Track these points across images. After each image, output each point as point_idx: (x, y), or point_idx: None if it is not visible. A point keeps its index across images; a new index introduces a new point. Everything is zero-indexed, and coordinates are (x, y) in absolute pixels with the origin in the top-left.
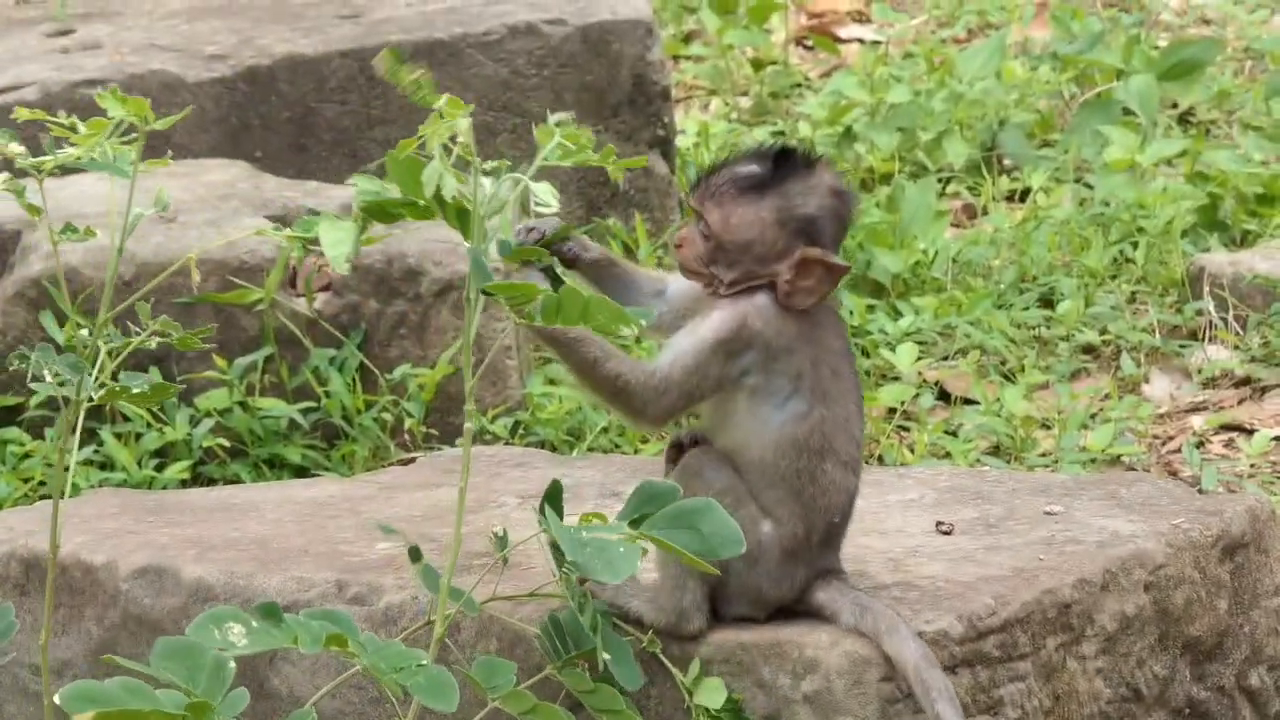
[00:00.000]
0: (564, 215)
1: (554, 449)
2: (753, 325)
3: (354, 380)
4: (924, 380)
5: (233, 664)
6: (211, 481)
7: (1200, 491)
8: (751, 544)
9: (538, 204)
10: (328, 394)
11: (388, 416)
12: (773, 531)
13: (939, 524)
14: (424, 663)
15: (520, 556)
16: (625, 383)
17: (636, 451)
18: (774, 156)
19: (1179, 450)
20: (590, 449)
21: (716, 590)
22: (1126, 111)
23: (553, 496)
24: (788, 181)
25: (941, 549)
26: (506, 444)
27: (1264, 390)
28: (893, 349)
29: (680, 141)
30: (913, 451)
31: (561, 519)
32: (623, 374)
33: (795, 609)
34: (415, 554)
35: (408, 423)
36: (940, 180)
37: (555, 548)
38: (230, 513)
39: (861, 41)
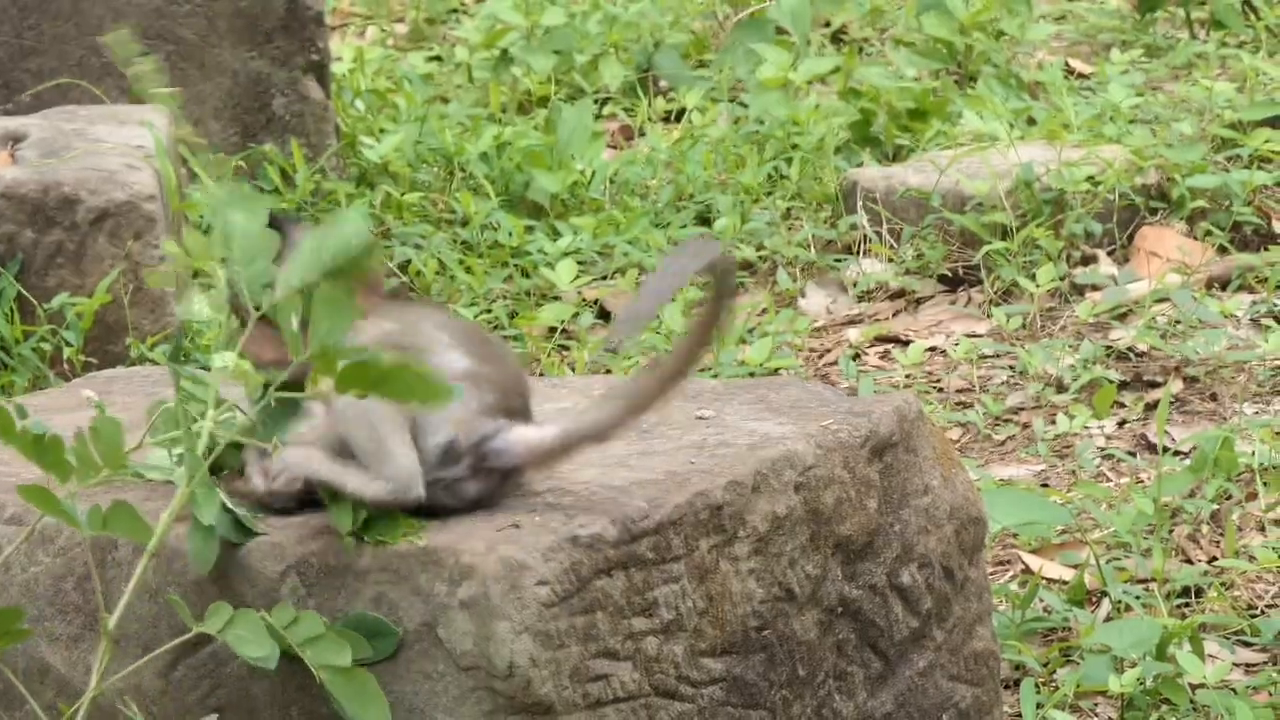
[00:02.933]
0: (220, 143)
1: None
2: None
3: (11, 310)
4: (584, 299)
5: None
6: None
7: (850, 394)
8: None
9: None
10: None
11: (46, 346)
12: None
13: None
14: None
15: None
16: None
17: None
18: None
19: (836, 363)
20: None
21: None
22: (780, 30)
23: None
24: None
25: (595, 454)
26: None
27: (918, 302)
28: (552, 268)
29: (336, 68)
30: (573, 370)
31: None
32: None
33: None
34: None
35: (67, 352)
36: (597, 102)
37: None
38: None
39: None
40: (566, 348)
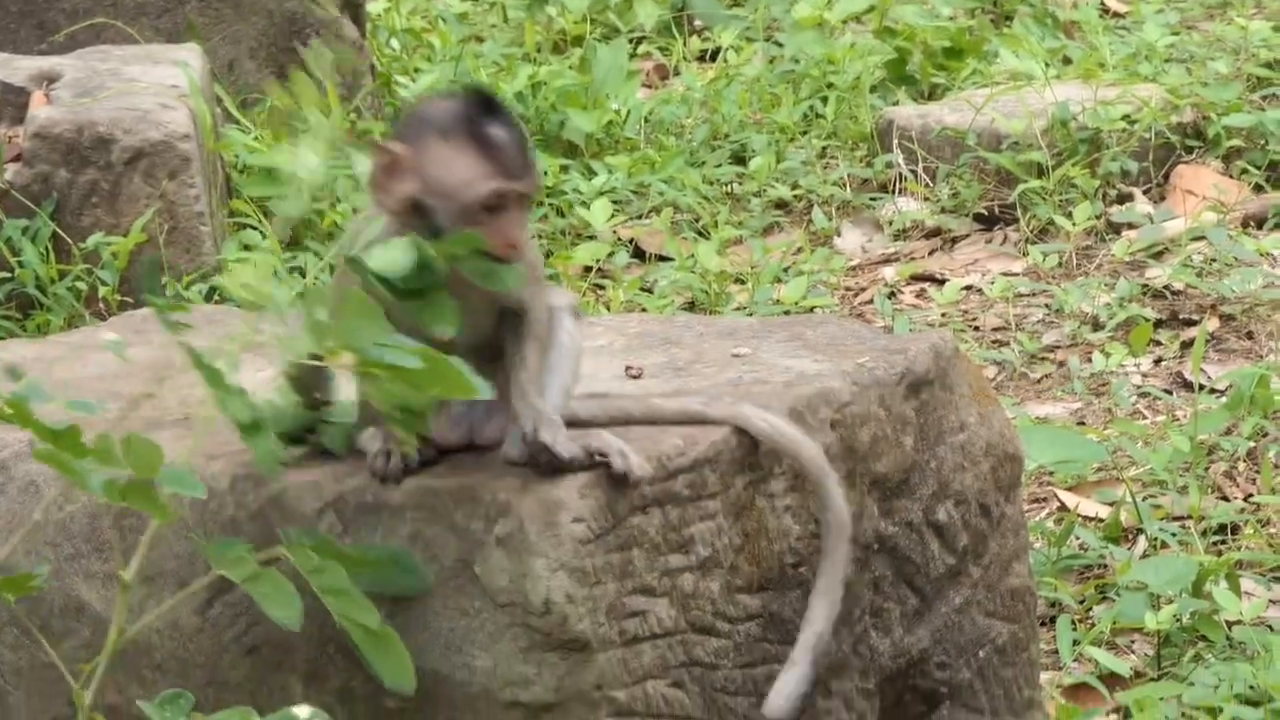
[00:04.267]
0: (255, 83)
1: None
2: None
3: (47, 250)
4: (619, 238)
5: None
6: None
7: (886, 332)
8: None
9: None
10: (21, 264)
11: (82, 285)
12: None
13: (628, 368)
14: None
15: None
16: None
17: None
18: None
19: (871, 301)
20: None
21: None
22: None
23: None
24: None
25: (631, 392)
26: None
27: (954, 240)
28: (587, 207)
29: (372, 7)
30: (609, 308)
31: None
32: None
33: None
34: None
35: (102, 291)
36: (631, 41)
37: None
38: None
39: None
40: (602, 286)
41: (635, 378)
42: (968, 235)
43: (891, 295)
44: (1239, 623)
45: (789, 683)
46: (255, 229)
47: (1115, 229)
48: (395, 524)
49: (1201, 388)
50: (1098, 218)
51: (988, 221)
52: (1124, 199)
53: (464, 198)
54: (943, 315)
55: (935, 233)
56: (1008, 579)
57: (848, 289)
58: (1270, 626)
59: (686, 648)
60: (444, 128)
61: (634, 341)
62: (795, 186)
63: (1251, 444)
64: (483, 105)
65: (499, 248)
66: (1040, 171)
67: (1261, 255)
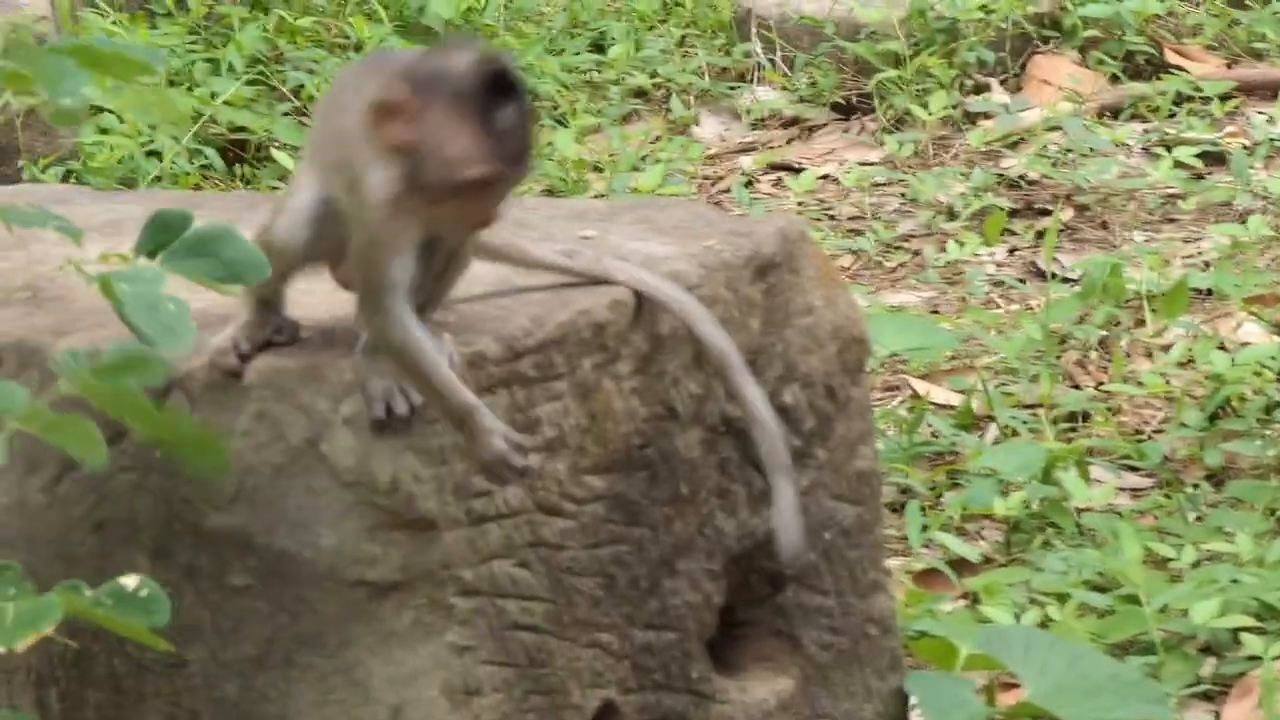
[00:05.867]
0: None
1: None
2: None
3: None
4: None
5: None
6: None
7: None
8: None
9: None
10: None
11: None
12: None
13: None
14: None
15: (61, 290)
16: None
17: (198, 188)
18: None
19: (729, 190)
20: None
21: None
22: None
23: None
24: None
25: (479, 275)
26: None
27: (811, 129)
28: None
29: None
30: None
31: None
32: None
33: None
34: None
35: None
36: None
37: None
38: None
39: None
40: None
41: None
42: (825, 125)
43: (748, 184)
44: (1088, 510)
45: (785, 511)
46: (112, 113)
47: (971, 119)
48: (243, 402)
49: (1055, 276)
50: (954, 107)
51: (845, 111)
52: (980, 89)
53: (456, 173)
54: (799, 204)
55: (793, 122)
56: (854, 462)
57: (705, 178)
58: (1118, 513)
59: (533, 528)
60: (456, 92)
61: None
62: (654, 75)
63: (1103, 333)
64: (499, 79)
65: (474, 223)
66: (898, 61)
67: (1116, 145)
